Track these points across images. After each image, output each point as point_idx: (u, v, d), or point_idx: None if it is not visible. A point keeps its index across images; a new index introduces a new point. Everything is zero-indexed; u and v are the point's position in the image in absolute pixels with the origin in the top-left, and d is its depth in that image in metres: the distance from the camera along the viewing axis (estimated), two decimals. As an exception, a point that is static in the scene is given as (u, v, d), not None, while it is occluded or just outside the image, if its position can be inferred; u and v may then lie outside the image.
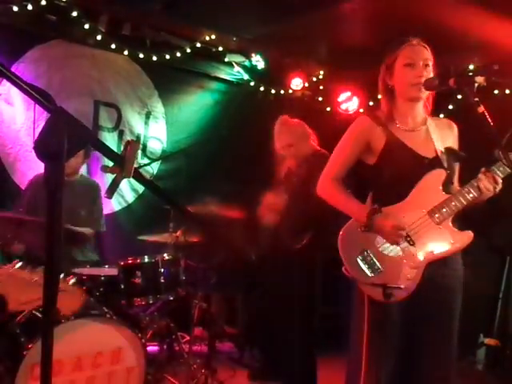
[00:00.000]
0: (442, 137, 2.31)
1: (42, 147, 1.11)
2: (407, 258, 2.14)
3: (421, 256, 2.14)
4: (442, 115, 5.05)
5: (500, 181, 2.12)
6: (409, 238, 2.15)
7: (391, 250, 2.16)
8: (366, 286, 2.16)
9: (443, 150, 2.26)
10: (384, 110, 2.32)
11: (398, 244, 2.15)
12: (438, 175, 2.21)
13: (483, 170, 2.14)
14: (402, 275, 2.12)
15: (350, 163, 2.35)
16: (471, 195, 2.13)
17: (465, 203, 2.14)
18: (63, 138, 1.09)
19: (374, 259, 2.17)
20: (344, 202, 2.29)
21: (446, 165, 2.22)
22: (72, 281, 1.64)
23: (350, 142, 2.35)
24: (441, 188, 2.20)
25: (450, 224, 2.19)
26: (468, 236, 2.19)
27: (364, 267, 2.17)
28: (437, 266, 2.17)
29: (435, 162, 2.23)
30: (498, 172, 2.12)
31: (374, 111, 2.36)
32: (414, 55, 2.22)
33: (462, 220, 2.25)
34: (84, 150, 3.66)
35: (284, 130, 3.63)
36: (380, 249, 2.17)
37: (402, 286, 2.11)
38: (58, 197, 1.10)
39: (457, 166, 2.30)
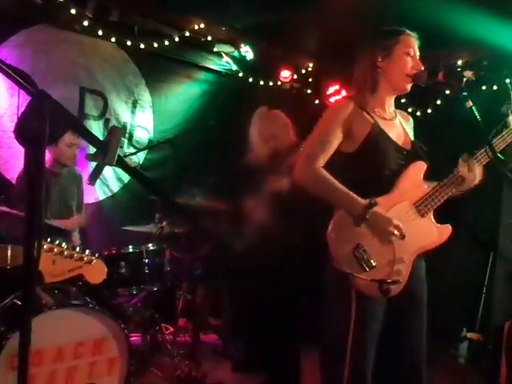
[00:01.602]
0: (408, 129, 2.32)
1: (23, 131, 1.07)
2: (399, 252, 2.10)
3: (411, 249, 2.13)
4: (429, 110, 5.13)
5: (479, 170, 2.15)
6: (399, 232, 2.09)
7: (383, 244, 2.10)
8: (361, 281, 2.03)
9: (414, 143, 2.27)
10: (363, 90, 2.22)
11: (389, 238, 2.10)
12: (420, 167, 2.20)
13: (463, 158, 2.15)
14: (396, 269, 2.08)
15: (333, 149, 2.15)
16: (455, 186, 2.14)
17: (447, 196, 2.15)
18: (45, 121, 1.05)
19: (368, 254, 2.07)
20: (335, 191, 2.10)
21: (423, 157, 2.22)
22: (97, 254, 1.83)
23: (333, 126, 2.15)
24: (422, 180, 2.20)
25: (432, 217, 2.19)
26: (448, 230, 2.20)
27: (359, 262, 2.07)
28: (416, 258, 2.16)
29: (413, 154, 2.22)
30: (480, 159, 2.15)
31: (354, 96, 2.25)
32: (414, 47, 2.21)
33: (447, 215, 2.25)
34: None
35: (267, 121, 3.60)
36: (372, 242, 2.09)
37: (401, 280, 2.07)
38: (39, 182, 1.07)
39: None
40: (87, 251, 1.87)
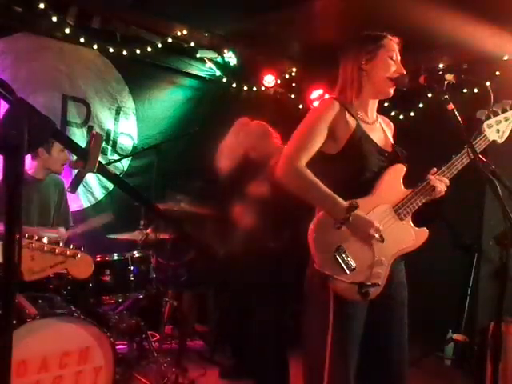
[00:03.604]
0: (389, 134, 2.34)
1: (1, 140, 1.06)
2: (378, 255, 2.10)
3: (390, 252, 2.12)
4: (412, 113, 5.18)
5: (447, 182, 2.18)
6: (378, 235, 2.10)
7: (363, 246, 2.09)
8: (340, 284, 2.02)
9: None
10: (347, 93, 2.22)
11: (369, 241, 2.10)
12: (400, 170, 2.20)
13: (433, 171, 2.18)
14: (375, 272, 2.08)
15: (316, 148, 2.11)
16: (428, 194, 2.15)
17: (424, 200, 2.16)
18: (23, 129, 1.04)
19: (348, 256, 2.05)
20: (317, 191, 2.06)
21: (403, 160, 2.23)
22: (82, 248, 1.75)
23: (318, 125, 2.12)
24: (401, 183, 2.20)
25: (410, 221, 2.19)
26: (425, 233, 2.20)
27: (339, 264, 2.03)
28: (396, 261, 2.16)
29: (394, 157, 2.23)
30: (449, 172, 2.17)
31: (339, 97, 2.24)
32: (397, 51, 2.24)
33: (431, 218, 2.27)
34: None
35: (248, 132, 3.64)
36: (352, 245, 2.07)
37: (380, 283, 2.07)
38: (18, 191, 1.06)
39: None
40: (71, 246, 1.77)
